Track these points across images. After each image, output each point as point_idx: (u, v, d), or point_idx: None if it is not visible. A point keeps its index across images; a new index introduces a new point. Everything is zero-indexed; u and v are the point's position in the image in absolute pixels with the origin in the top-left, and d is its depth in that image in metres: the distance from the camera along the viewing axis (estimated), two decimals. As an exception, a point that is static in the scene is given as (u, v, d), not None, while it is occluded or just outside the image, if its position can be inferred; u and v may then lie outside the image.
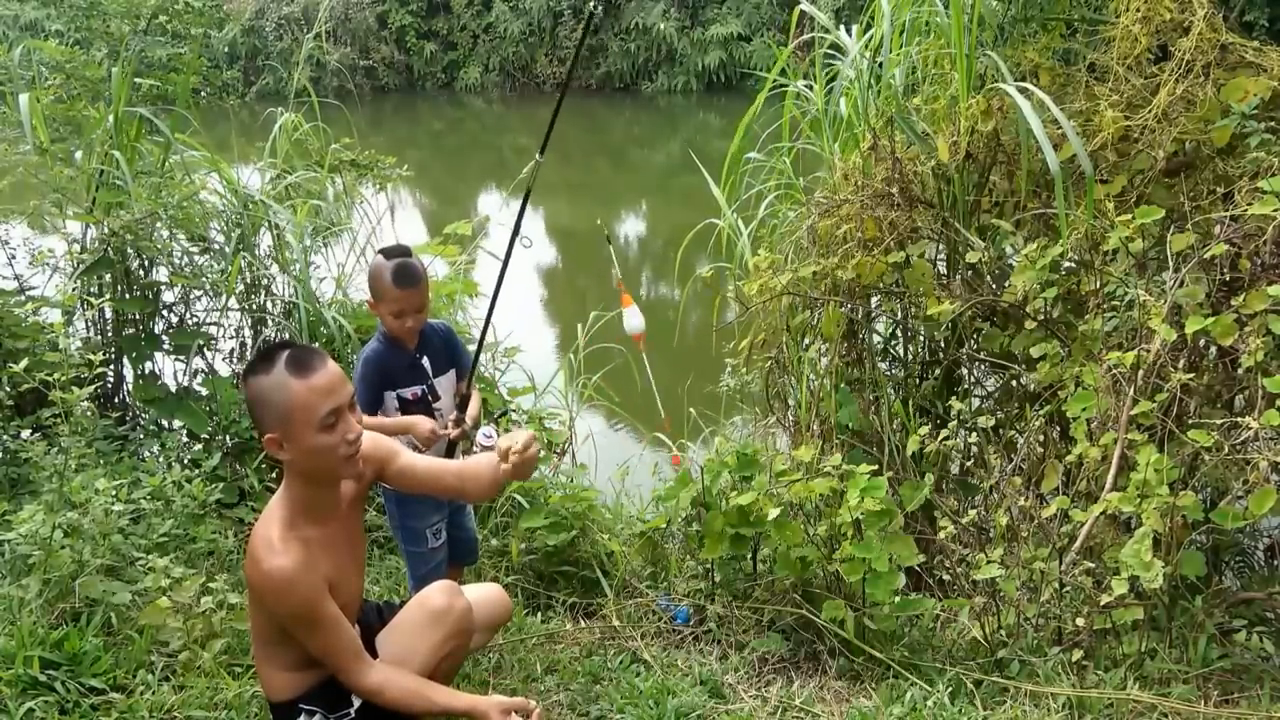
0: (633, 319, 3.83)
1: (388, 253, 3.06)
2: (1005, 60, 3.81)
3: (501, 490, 2.76)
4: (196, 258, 4.57)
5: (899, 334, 4.32)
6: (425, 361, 3.14)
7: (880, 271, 3.80)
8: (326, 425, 2.19)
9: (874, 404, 3.99)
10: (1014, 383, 3.91)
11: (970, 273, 3.84)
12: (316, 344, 4.15)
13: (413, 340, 3.10)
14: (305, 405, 2.17)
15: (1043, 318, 3.52)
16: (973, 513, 3.26)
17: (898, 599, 3.07)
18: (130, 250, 4.36)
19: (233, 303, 4.54)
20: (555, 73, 24.47)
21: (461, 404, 3.18)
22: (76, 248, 4.40)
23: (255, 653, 2.42)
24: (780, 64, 4.67)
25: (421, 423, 3.05)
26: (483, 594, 2.69)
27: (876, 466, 3.29)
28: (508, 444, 2.44)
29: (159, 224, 4.35)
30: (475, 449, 2.93)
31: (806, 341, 4.19)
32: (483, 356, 4.69)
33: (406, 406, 3.13)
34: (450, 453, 3.15)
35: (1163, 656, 2.86)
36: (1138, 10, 3.60)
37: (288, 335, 4.45)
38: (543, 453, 3.63)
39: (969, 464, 3.96)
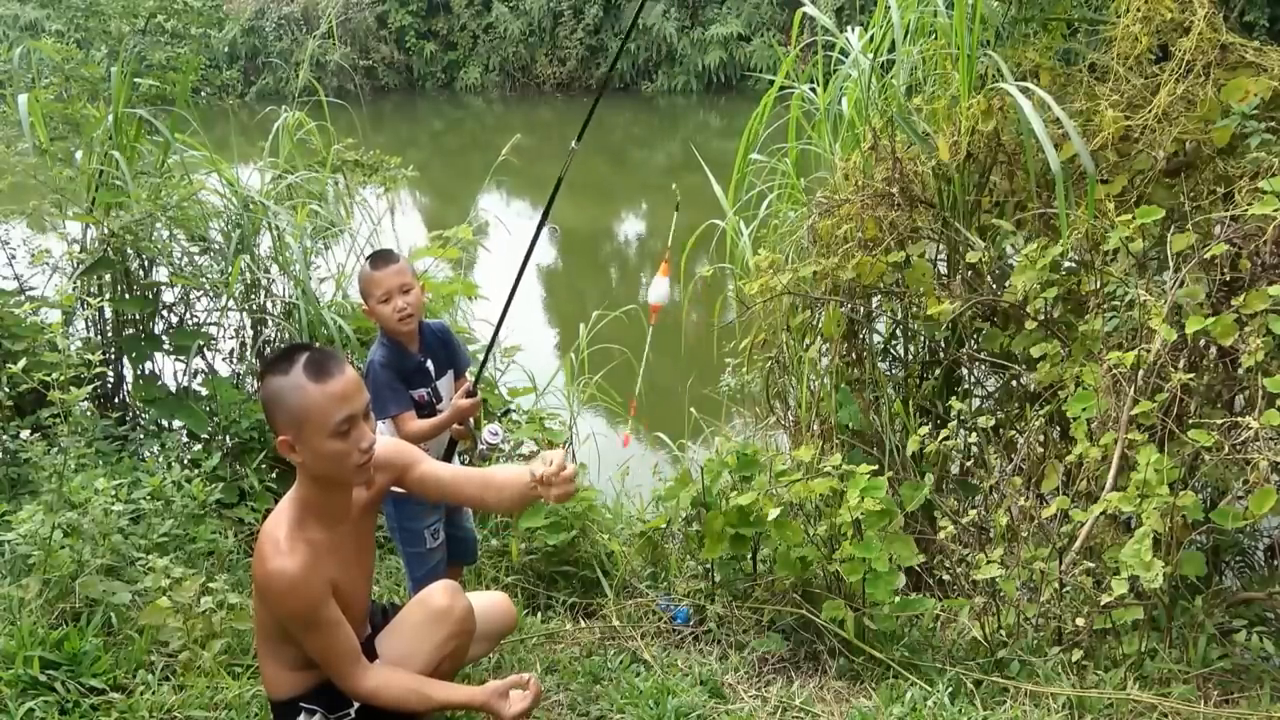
0: (657, 289, 3.64)
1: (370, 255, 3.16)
2: (1006, 60, 3.80)
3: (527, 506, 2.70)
4: (196, 258, 4.57)
5: (899, 334, 4.31)
6: (429, 364, 3.15)
7: (880, 271, 3.80)
8: (340, 432, 2.18)
9: (874, 404, 3.99)
10: (1014, 383, 3.91)
11: (970, 273, 3.83)
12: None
13: (412, 333, 3.10)
14: (320, 410, 2.16)
15: (1043, 318, 3.52)
16: (973, 513, 3.26)
17: (898, 599, 3.07)
18: (130, 250, 4.36)
19: (232, 303, 4.54)
20: (555, 73, 24.47)
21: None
22: (76, 248, 4.40)
23: (259, 650, 2.42)
24: (786, 68, 4.66)
25: (463, 404, 3.06)
26: (487, 601, 2.66)
27: (876, 466, 3.29)
28: (543, 470, 2.31)
29: (159, 224, 4.35)
30: (481, 446, 2.92)
31: (807, 341, 4.18)
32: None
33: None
34: (450, 451, 3.14)
35: (1163, 656, 2.86)
36: (1138, 10, 3.59)
37: (288, 336, 4.45)
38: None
39: (969, 464, 3.96)
